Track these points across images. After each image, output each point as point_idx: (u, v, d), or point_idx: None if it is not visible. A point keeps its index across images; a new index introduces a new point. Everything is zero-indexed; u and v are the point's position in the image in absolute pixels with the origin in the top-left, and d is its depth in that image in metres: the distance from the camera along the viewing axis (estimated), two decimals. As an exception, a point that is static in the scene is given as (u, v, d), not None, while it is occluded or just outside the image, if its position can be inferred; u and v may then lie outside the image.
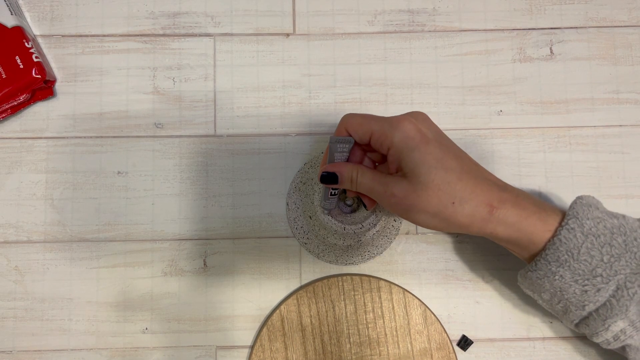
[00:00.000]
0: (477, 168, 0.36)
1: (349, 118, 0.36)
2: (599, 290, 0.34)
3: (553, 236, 0.35)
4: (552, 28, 0.48)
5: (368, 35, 0.47)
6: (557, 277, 0.35)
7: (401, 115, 0.36)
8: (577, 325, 0.37)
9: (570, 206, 0.36)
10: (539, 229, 0.35)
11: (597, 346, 0.44)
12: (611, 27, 0.47)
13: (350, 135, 0.36)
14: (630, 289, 0.34)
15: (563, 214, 0.36)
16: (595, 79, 0.47)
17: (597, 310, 0.35)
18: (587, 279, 0.34)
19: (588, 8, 0.48)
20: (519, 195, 0.35)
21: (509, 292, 0.45)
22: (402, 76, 0.47)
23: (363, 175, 0.36)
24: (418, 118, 0.35)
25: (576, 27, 0.48)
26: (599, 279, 0.34)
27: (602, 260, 0.34)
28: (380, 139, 0.35)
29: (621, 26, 0.47)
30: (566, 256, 0.34)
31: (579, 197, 0.37)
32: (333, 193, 0.39)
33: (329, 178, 0.37)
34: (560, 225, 0.35)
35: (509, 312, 0.45)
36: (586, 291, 0.35)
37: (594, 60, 0.47)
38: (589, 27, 0.48)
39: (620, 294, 0.34)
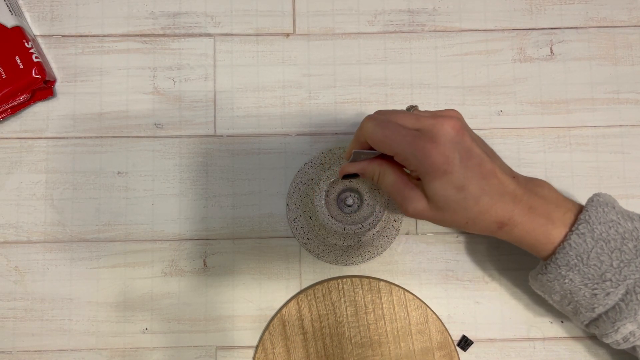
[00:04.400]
0: (499, 182, 0.35)
1: (369, 131, 0.35)
2: (608, 294, 0.34)
3: (563, 240, 0.35)
4: (552, 28, 0.48)
5: (368, 35, 0.47)
6: (566, 281, 0.35)
7: (427, 139, 0.33)
8: (587, 325, 0.38)
9: (585, 207, 0.36)
10: (541, 242, 0.36)
11: (597, 347, 0.44)
12: (611, 27, 0.47)
13: (372, 149, 0.36)
14: (639, 293, 0.34)
15: (574, 220, 0.35)
16: (596, 79, 0.47)
17: (606, 312, 0.35)
18: (597, 283, 0.35)
19: (588, 8, 0.48)
20: (532, 206, 0.35)
21: (509, 293, 0.45)
22: (402, 76, 0.47)
23: (384, 178, 0.36)
24: (446, 137, 0.33)
25: (576, 27, 0.48)
26: (608, 283, 0.34)
27: (612, 265, 0.34)
28: (404, 163, 0.35)
29: (621, 26, 0.47)
30: (576, 260, 0.35)
31: (595, 195, 0.37)
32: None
33: (350, 176, 0.38)
34: (566, 235, 0.35)
35: (509, 313, 0.45)
36: (595, 295, 0.35)
37: (594, 60, 0.47)
38: (589, 27, 0.48)
39: (629, 299, 0.34)
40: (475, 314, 0.45)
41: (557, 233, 0.35)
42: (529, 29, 0.48)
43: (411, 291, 0.45)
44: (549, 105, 0.47)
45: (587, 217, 0.35)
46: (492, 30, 0.47)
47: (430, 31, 0.47)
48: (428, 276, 0.45)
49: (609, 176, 0.46)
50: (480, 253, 0.45)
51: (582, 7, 0.48)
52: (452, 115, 0.35)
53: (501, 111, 0.47)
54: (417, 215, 0.36)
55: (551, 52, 0.47)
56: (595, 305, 0.35)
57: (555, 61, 0.47)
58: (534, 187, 0.36)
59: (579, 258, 0.34)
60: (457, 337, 0.45)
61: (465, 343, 0.44)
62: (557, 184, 0.46)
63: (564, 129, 0.47)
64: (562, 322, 0.44)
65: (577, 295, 0.36)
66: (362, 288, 0.44)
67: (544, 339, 0.45)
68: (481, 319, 0.45)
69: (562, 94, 0.47)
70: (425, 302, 0.45)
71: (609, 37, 0.47)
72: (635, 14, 0.48)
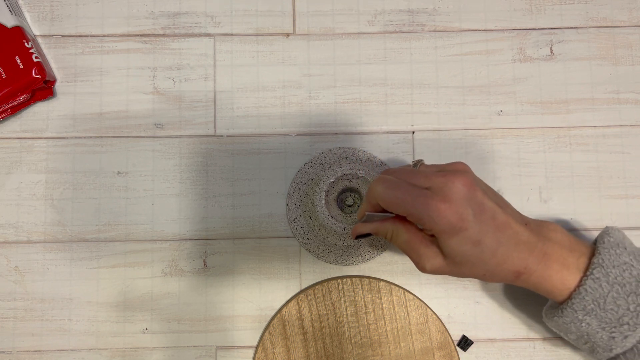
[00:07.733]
0: (513, 232, 0.35)
1: (380, 194, 0.35)
2: (626, 337, 0.35)
3: (579, 285, 0.35)
4: (552, 28, 0.48)
5: (368, 35, 0.47)
6: (583, 324, 0.36)
7: (440, 199, 0.33)
8: None
9: (597, 250, 0.36)
10: (557, 288, 0.36)
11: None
12: (611, 27, 0.47)
13: (385, 210, 0.36)
14: None
15: (588, 264, 0.36)
16: (596, 79, 0.47)
17: (624, 353, 0.35)
18: (614, 327, 0.35)
19: (588, 8, 0.48)
20: (547, 252, 0.35)
21: (509, 292, 0.45)
22: (402, 76, 0.47)
23: (398, 237, 0.36)
24: (459, 194, 0.33)
25: (576, 27, 0.48)
26: (625, 327, 0.34)
27: (629, 309, 0.34)
28: (418, 222, 0.35)
29: (621, 26, 0.47)
30: (592, 305, 0.35)
31: (606, 234, 0.37)
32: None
33: (363, 235, 0.38)
34: (581, 280, 0.35)
35: (509, 312, 0.45)
36: (613, 337, 0.35)
37: (594, 60, 0.47)
38: (589, 27, 0.48)
39: None
40: (475, 314, 0.45)
41: (572, 278, 0.35)
42: (529, 29, 0.48)
43: (411, 291, 0.45)
44: (549, 105, 0.47)
45: (600, 260, 0.35)
46: (492, 30, 0.47)
47: (430, 31, 0.47)
48: (428, 276, 0.45)
49: (609, 176, 0.46)
50: (480, 253, 0.45)
51: (582, 7, 0.48)
52: (461, 170, 0.35)
53: (501, 111, 0.47)
54: (434, 272, 0.36)
55: (551, 52, 0.47)
56: (613, 347, 0.35)
57: (555, 61, 0.47)
58: (547, 232, 0.36)
59: (595, 303, 0.35)
60: (457, 337, 0.45)
61: (465, 343, 0.44)
62: (557, 184, 0.46)
63: (564, 129, 0.47)
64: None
65: (594, 337, 0.36)
66: (362, 288, 0.44)
67: (544, 339, 0.45)
68: (481, 319, 0.45)
69: (562, 94, 0.47)
70: (425, 302, 0.45)
71: (609, 37, 0.47)
72: (635, 14, 0.48)
